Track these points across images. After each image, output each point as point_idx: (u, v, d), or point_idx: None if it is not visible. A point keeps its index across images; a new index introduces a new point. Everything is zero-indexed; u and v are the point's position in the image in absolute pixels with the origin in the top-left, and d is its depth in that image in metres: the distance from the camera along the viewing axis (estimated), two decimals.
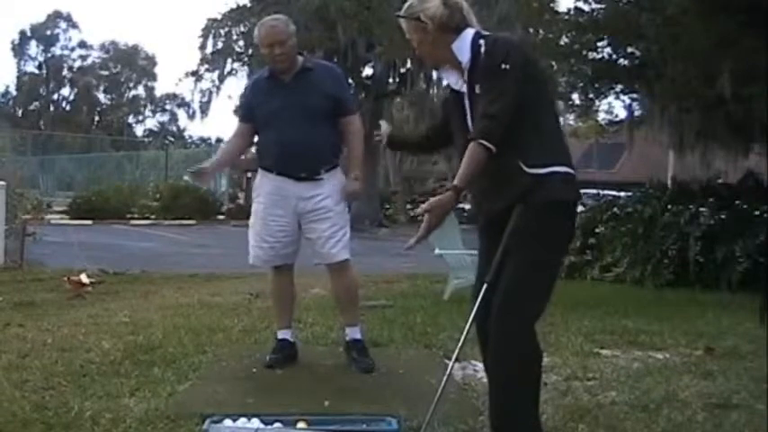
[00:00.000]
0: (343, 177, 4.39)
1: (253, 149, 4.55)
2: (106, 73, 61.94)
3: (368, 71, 24.82)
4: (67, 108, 61.15)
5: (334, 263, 4.36)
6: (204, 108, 29.22)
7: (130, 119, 62.85)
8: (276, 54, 4.17)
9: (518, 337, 2.76)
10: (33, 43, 59.75)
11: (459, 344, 2.86)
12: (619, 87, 12.38)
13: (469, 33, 2.83)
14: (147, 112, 63.95)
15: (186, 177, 4.37)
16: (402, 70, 25.49)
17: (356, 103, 4.52)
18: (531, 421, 2.80)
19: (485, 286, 2.80)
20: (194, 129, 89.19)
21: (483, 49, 2.75)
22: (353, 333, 4.49)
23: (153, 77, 62.88)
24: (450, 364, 2.92)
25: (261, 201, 4.40)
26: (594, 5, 11.08)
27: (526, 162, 2.70)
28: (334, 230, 4.30)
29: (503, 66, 2.68)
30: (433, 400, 2.89)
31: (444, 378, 2.90)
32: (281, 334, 4.49)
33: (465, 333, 2.83)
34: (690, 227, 9.00)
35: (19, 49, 59.49)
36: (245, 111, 4.46)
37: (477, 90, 2.75)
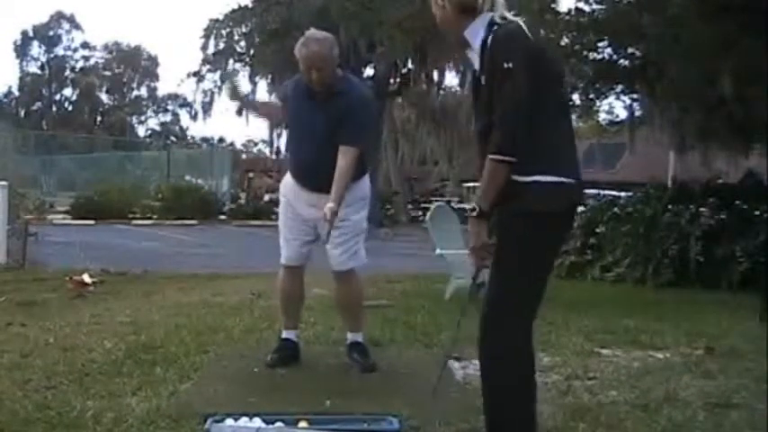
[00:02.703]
0: (365, 187, 4.43)
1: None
2: (109, 73, 62.03)
3: (369, 72, 24.83)
4: (70, 108, 61.23)
5: (339, 271, 4.39)
6: (206, 108, 29.24)
7: (133, 119, 62.94)
8: (313, 77, 4.13)
9: (501, 342, 2.79)
10: (36, 44, 59.88)
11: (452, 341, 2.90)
12: (619, 88, 12.40)
13: (485, 18, 2.75)
14: (150, 113, 64.10)
15: None
16: (404, 71, 25.53)
17: (364, 140, 4.35)
18: (518, 422, 2.82)
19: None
20: (196, 129, 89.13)
21: (490, 39, 2.70)
22: (355, 337, 4.52)
23: (155, 78, 63.04)
24: (444, 360, 2.95)
25: (283, 200, 4.52)
26: (595, 6, 11.10)
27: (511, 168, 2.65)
28: (345, 239, 4.29)
29: (505, 65, 2.61)
30: (433, 396, 2.92)
31: (439, 373, 2.94)
32: (286, 334, 4.50)
33: (456, 330, 2.90)
34: (690, 227, 9.01)
35: (21, 50, 59.59)
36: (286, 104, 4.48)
37: (483, 81, 2.74)
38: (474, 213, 2.67)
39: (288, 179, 4.47)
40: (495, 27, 2.71)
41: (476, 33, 2.76)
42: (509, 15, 2.77)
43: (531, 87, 2.60)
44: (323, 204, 4.08)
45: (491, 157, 2.61)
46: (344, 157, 4.10)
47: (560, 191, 2.70)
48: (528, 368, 2.82)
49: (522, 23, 2.72)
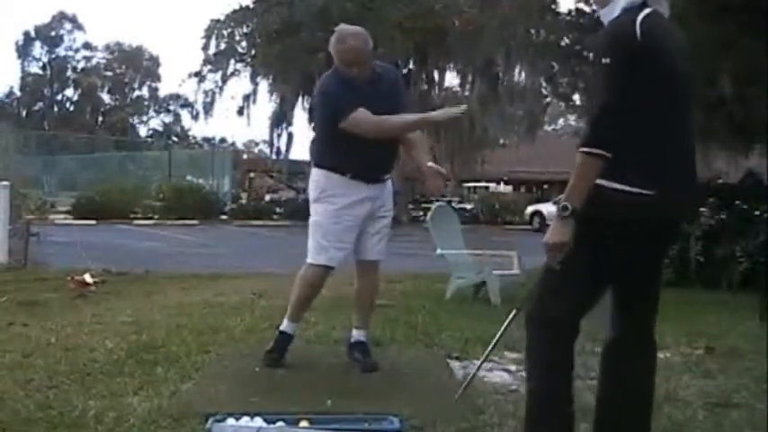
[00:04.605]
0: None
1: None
2: (110, 74, 62.09)
3: None
4: (71, 108, 61.29)
5: (372, 260, 4.43)
6: (207, 108, 29.36)
7: (134, 119, 62.99)
8: (354, 72, 4.16)
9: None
10: (38, 44, 59.95)
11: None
12: None
13: (620, 4, 2.59)
14: (151, 113, 64.15)
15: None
16: (404, 71, 25.54)
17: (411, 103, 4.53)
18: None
19: None
20: (198, 129, 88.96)
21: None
22: (359, 336, 4.52)
23: (157, 78, 63.10)
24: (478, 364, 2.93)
25: (335, 201, 4.28)
26: (595, 6, 11.10)
27: None
28: (387, 230, 4.42)
29: (602, 60, 2.48)
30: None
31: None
32: (289, 326, 4.45)
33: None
34: (690, 227, 9.01)
35: (23, 50, 59.65)
36: (350, 101, 4.17)
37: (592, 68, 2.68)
38: (565, 213, 2.49)
39: (338, 179, 4.29)
40: (622, 15, 2.55)
41: (608, 15, 2.62)
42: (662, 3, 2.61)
43: (627, 88, 2.43)
44: (377, 195, 4.32)
45: (579, 150, 2.46)
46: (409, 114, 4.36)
47: (624, 200, 2.52)
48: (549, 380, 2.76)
49: (644, 16, 2.51)
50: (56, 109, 60.94)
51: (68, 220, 21.27)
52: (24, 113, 58.72)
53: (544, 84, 19.36)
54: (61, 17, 59.68)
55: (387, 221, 4.43)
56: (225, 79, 27.59)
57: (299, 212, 20.83)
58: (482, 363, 3.10)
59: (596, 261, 2.59)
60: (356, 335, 4.52)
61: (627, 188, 2.50)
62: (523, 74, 21.48)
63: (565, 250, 2.53)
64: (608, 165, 2.45)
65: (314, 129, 4.70)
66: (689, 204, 2.88)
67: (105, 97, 63.06)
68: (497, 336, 2.89)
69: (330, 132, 4.27)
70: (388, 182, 4.45)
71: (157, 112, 64.07)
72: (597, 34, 2.57)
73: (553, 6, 12.96)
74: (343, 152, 4.23)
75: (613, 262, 2.61)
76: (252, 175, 35.76)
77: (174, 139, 55.98)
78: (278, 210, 27.30)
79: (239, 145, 55.37)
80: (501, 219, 29.57)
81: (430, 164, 4.22)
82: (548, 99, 21.98)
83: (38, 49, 60.18)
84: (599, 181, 2.49)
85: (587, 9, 11.22)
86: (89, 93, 60.25)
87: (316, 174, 4.39)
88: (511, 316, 2.90)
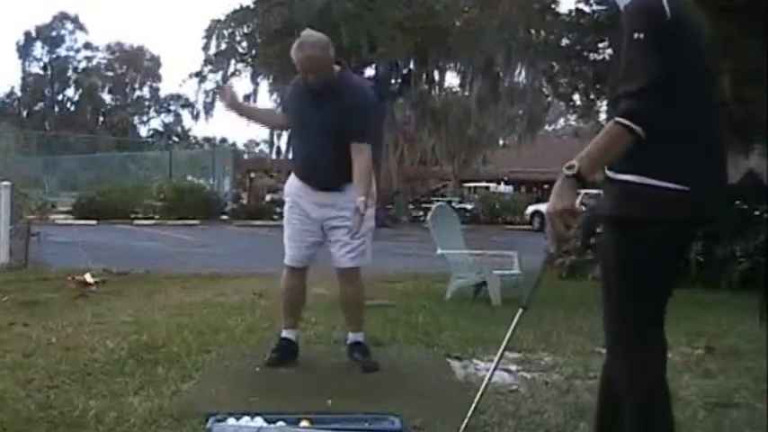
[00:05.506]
0: (371, 185, 4.44)
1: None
2: (111, 74, 62.09)
3: (370, 72, 24.86)
4: (72, 109, 61.29)
5: (343, 268, 4.41)
6: (208, 108, 29.40)
7: (135, 119, 63.01)
8: (309, 79, 4.21)
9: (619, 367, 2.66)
10: (38, 44, 59.95)
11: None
12: None
13: None
14: (152, 113, 64.17)
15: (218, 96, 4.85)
16: (404, 71, 25.56)
17: (372, 135, 4.43)
18: None
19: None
20: (198, 129, 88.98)
21: (627, 5, 2.41)
22: (356, 337, 4.54)
23: (157, 78, 63.10)
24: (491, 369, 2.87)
25: (288, 201, 4.53)
26: (595, 7, 11.12)
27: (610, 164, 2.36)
28: (348, 238, 4.31)
29: (635, 35, 2.29)
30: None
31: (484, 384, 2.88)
32: (286, 333, 4.52)
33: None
34: None
35: (24, 50, 59.66)
36: (285, 105, 4.74)
37: (612, 50, 2.62)
38: (569, 171, 2.27)
39: (293, 180, 4.50)
40: None
41: None
42: None
43: (661, 66, 2.25)
44: (330, 203, 4.26)
45: (618, 119, 2.23)
46: (361, 154, 4.20)
47: (658, 197, 2.34)
48: (658, 400, 2.60)
49: None
50: (57, 109, 60.94)
51: (69, 220, 21.28)
52: (25, 113, 58.71)
53: (544, 84, 19.38)
54: (62, 17, 59.76)
55: (346, 230, 4.25)
56: (225, 79, 27.56)
57: None
58: (494, 369, 3.05)
59: (636, 268, 2.48)
60: (352, 337, 4.55)
61: (666, 184, 2.33)
62: (523, 74, 21.52)
63: (572, 221, 2.34)
64: (643, 159, 2.29)
65: None
66: (720, 202, 2.65)
67: (106, 97, 63.09)
68: (507, 338, 2.84)
69: (290, 135, 4.49)
70: (348, 192, 4.24)
71: (158, 113, 64.13)
72: (624, 10, 2.38)
73: (553, 6, 12.99)
74: (298, 156, 4.52)
75: (643, 267, 2.49)
76: (252, 175, 35.78)
77: (175, 139, 56.01)
78: (278, 210, 27.29)
79: (240, 145, 55.46)
80: (501, 219, 29.59)
81: (361, 199, 4.08)
82: (548, 99, 22.00)
83: (39, 49, 60.27)
84: (633, 178, 2.34)
85: (587, 9, 11.21)
86: (90, 93, 60.25)
87: None
88: (517, 316, 2.78)
